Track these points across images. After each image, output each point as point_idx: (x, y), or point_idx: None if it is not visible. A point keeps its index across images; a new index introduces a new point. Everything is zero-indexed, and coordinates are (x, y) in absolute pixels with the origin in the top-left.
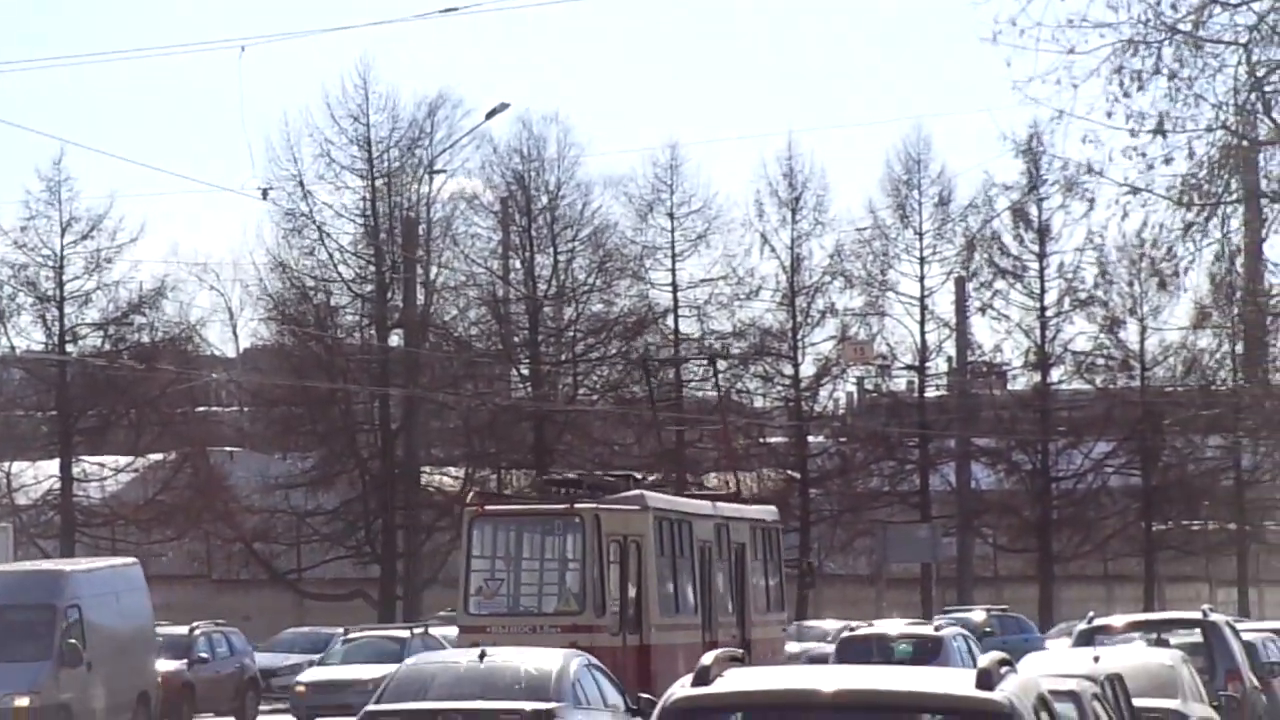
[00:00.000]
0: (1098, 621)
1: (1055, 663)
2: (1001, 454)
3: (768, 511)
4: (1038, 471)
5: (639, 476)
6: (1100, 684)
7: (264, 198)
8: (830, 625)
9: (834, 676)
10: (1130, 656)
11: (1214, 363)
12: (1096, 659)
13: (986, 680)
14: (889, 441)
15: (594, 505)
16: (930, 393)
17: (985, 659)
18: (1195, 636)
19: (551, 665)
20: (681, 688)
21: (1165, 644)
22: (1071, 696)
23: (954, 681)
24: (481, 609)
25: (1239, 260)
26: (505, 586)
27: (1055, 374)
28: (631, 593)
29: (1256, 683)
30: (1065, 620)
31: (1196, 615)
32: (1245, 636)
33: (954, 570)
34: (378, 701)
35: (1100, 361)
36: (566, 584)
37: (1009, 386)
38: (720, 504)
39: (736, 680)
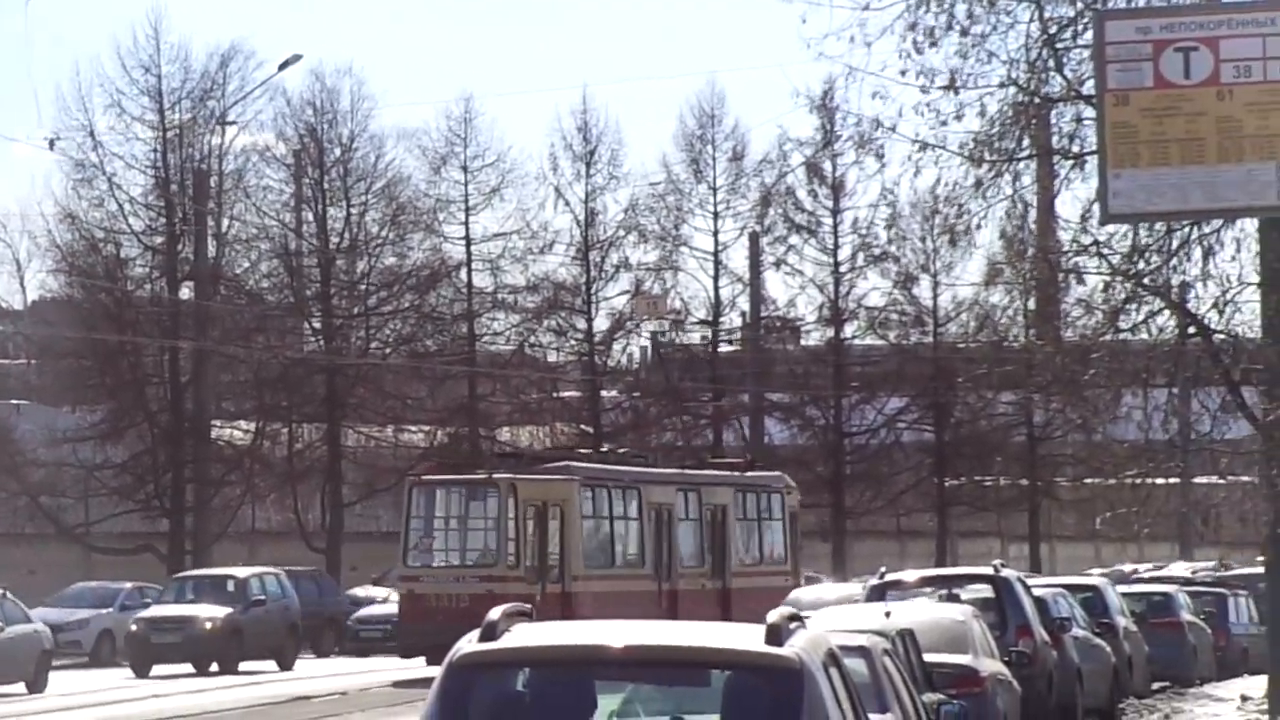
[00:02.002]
0: (889, 577)
1: (846, 618)
2: (795, 409)
3: (772, 477)
4: (831, 427)
5: (621, 451)
6: (891, 639)
7: (51, 148)
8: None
9: (623, 632)
10: (922, 612)
11: (1006, 319)
12: (888, 614)
13: (776, 636)
14: (682, 396)
15: (510, 475)
16: (724, 348)
17: (775, 614)
18: (986, 592)
19: None
20: (468, 643)
21: (957, 599)
22: (862, 652)
23: (743, 637)
24: (416, 561)
25: (1030, 216)
26: (437, 543)
27: (849, 329)
28: (556, 549)
29: (1047, 638)
30: (859, 575)
31: (988, 570)
32: (1036, 592)
33: None
34: None
35: (893, 317)
36: (485, 542)
37: (803, 342)
38: (708, 471)
39: (524, 636)
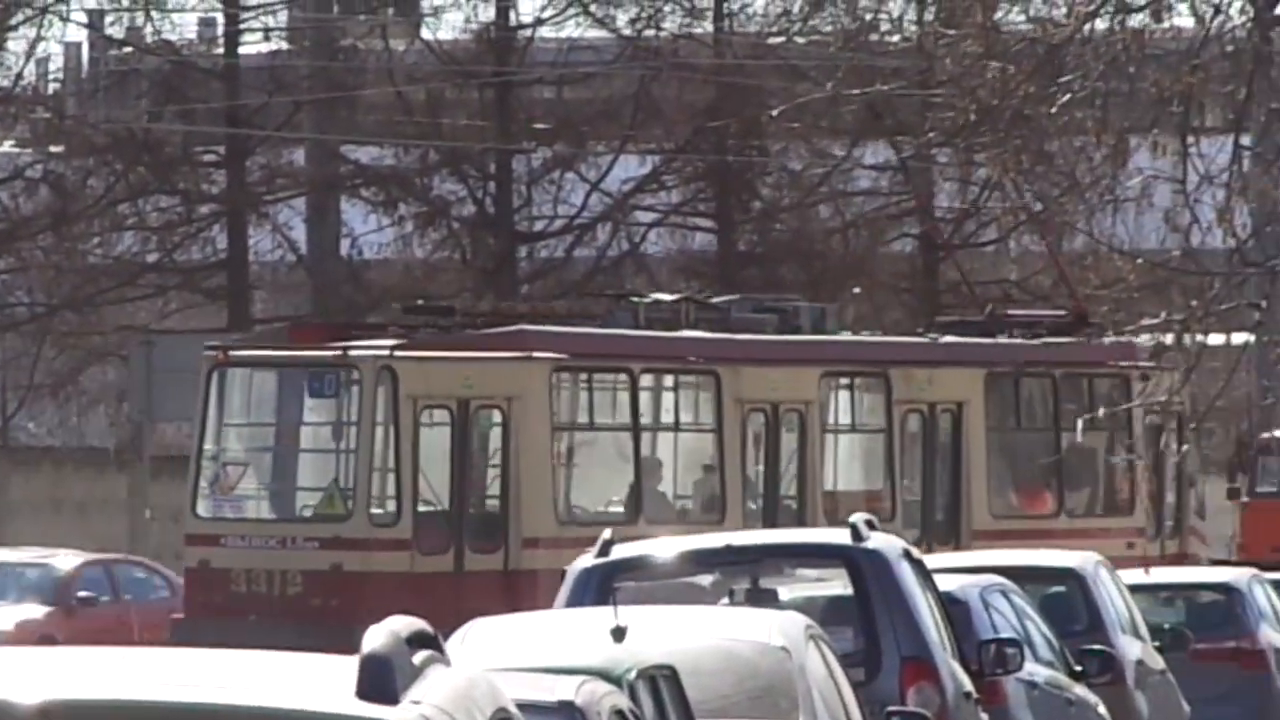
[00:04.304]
0: (623, 547)
1: (528, 641)
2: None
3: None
4: (491, 220)
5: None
6: (627, 689)
7: None
8: None
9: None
10: (693, 630)
11: None
12: (619, 632)
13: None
14: None
15: (385, 351)
16: None
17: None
18: (838, 583)
19: None
20: None
21: (774, 600)
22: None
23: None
24: (211, 510)
25: None
26: (249, 479)
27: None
28: (490, 490)
29: (969, 686)
30: None
31: (840, 537)
32: (947, 583)
33: None
34: None
35: None
36: (334, 474)
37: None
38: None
39: None
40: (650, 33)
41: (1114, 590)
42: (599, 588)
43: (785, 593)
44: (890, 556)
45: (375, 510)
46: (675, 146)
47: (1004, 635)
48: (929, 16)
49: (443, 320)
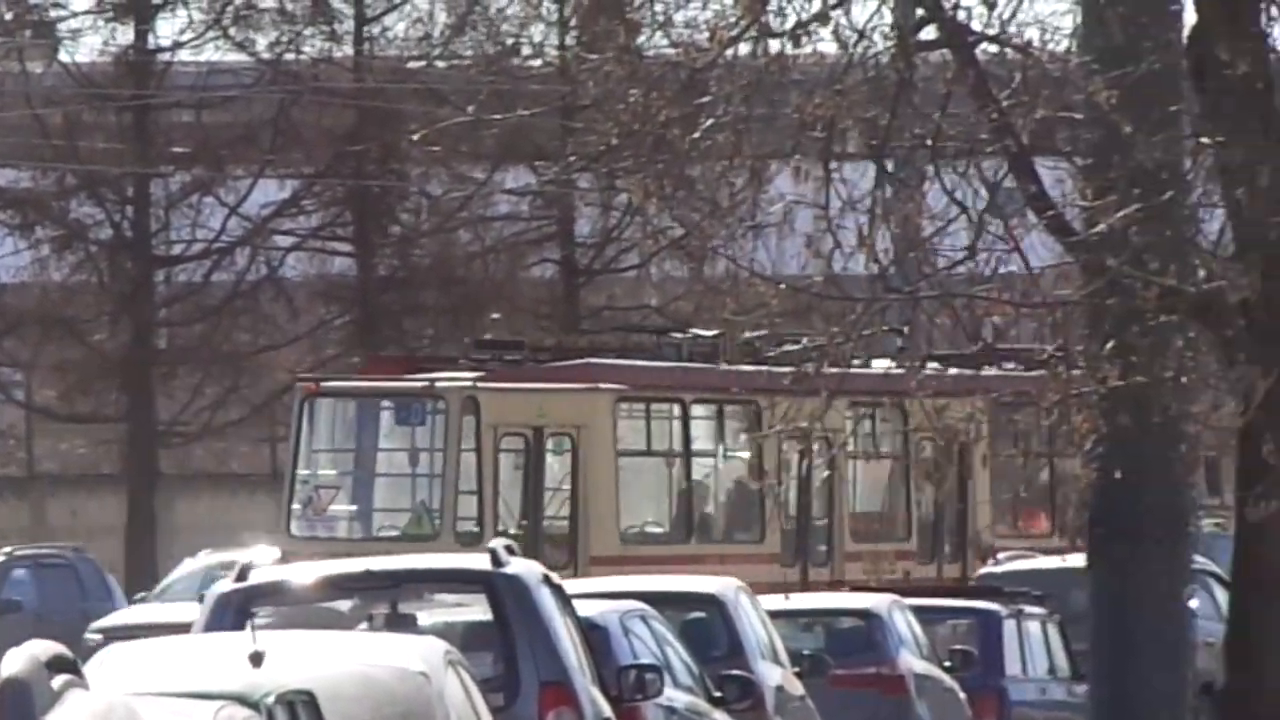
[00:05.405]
0: (260, 572)
1: (161, 665)
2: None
3: None
4: (127, 244)
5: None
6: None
7: None
8: None
9: None
10: (331, 656)
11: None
12: (256, 658)
13: None
14: None
15: (469, 382)
16: None
17: None
18: (478, 608)
19: None
20: None
21: (411, 625)
22: None
23: None
24: (306, 529)
25: None
26: (343, 497)
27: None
28: (560, 512)
29: (609, 712)
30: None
31: (478, 562)
32: (587, 608)
33: None
34: None
35: None
36: (422, 495)
37: None
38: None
39: None
40: (290, 56)
41: (754, 616)
42: (237, 612)
43: (425, 618)
44: (530, 581)
45: (460, 530)
46: (315, 171)
47: (644, 661)
48: (571, 40)
49: (509, 354)
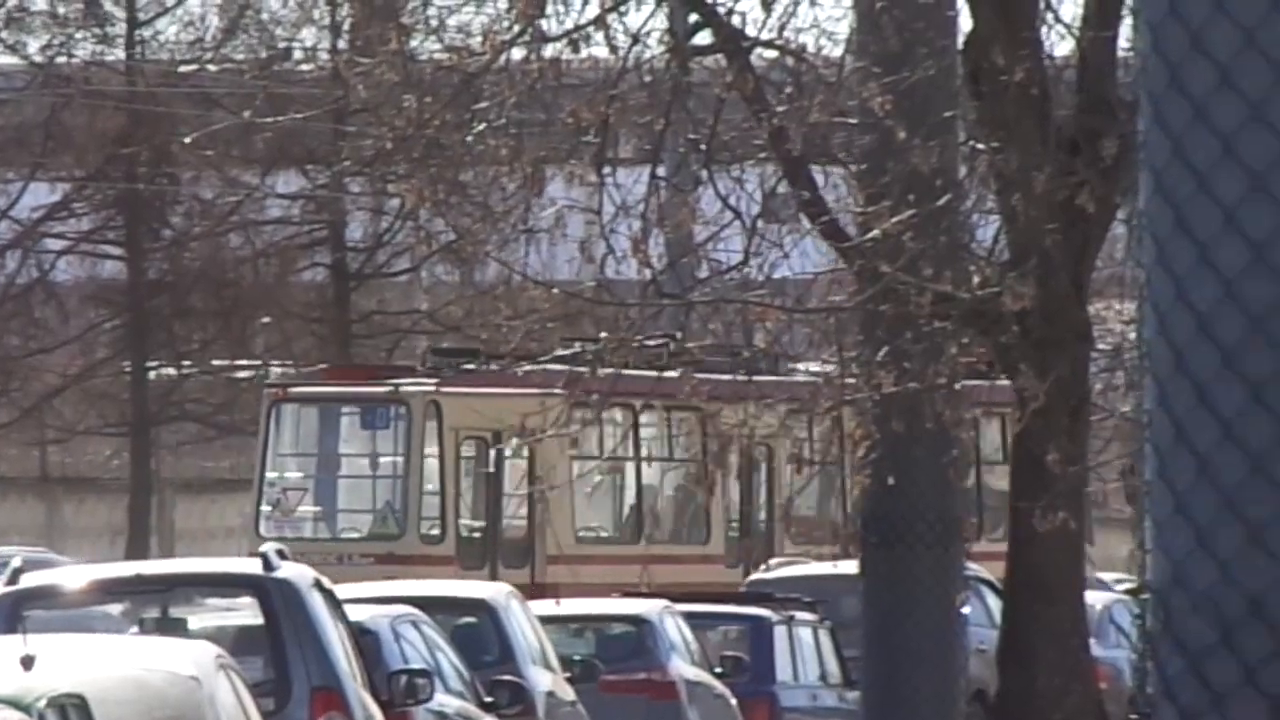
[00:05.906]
0: (33, 578)
1: None
2: None
3: None
4: None
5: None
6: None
7: None
8: None
9: None
10: (104, 658)
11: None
12: (27, 662)
13: None
14: None
15: (431, 388)
16: None
17: None
18: (249, 614)
19: None
20: None
21: (182, 629)
22: None
23: None
24: (275, 530)
25: None
26: (309, 499)
27: None
28: (518, 511)
29: (379, 716)
30: None
31: (248, 567)
32: (358, 612)
33: None
34: None
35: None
36: (387, 497)
37: None
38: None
39: None
40: (62, 59)
41: (525, 621)
42: (9, 616)
43: (196, 622)
44: (300, 586)
45: (423, 530)
46: (86, 174)
47: (414, 666)
48: (343, 45)
49: (466, 361)
